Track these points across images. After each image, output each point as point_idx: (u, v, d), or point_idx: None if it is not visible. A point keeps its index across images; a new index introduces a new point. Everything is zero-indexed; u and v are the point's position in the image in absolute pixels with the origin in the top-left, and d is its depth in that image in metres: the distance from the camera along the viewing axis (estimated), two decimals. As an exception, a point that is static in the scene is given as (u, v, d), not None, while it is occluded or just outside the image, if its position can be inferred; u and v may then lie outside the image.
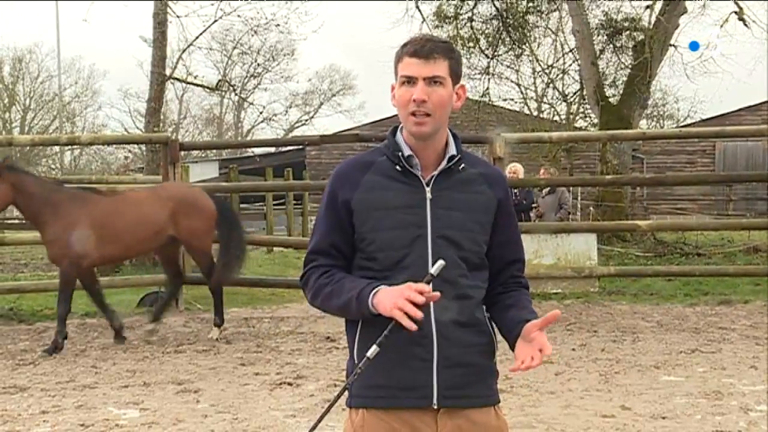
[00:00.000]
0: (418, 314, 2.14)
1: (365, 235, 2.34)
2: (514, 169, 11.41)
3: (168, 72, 15.68)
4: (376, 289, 2.23)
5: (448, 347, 2.29)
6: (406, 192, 2.34)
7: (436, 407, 2.31)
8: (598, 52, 20.03)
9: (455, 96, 2.38)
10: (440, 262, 2.19)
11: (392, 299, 2.17)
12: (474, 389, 2.34)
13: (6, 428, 5.35)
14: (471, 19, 21.09)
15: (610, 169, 17.45)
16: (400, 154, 2.36)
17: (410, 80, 2.31)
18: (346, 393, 2.36)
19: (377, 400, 2.33)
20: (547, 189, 12.05)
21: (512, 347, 2.34)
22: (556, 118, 28.46)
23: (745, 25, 18.11)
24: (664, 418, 5.42)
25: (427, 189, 2.34)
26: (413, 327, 2.15)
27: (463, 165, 2.39)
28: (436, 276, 2.19)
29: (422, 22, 20.37)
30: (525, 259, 2.52)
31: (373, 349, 2.23)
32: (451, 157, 2.37)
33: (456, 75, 2.36)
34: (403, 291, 2.17)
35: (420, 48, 2.31)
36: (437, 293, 2.20)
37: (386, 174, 2.36)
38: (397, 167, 2.36)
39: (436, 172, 2.36)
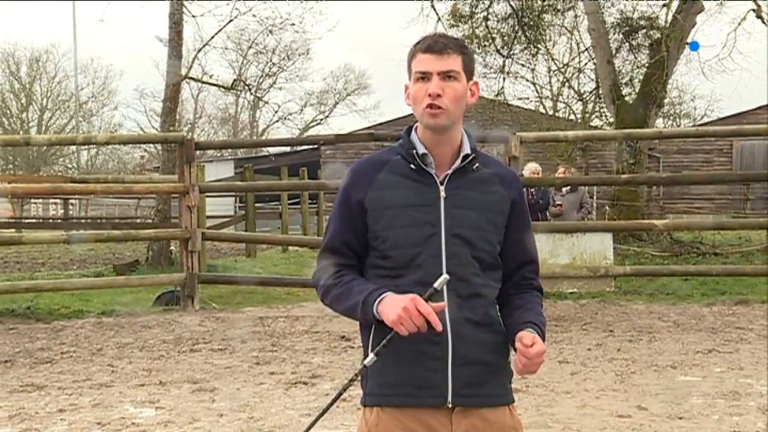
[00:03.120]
0: (423, 327, 2.17)
1: (379, 233, 2.34)
2: (536, 170, 11.38)
3: (184, 71, 15.72)
4: (382, 296, 2.24)
5: (462, 345, 2.29)
6: (420, 190, 2.34)
7: (450, 406, 2.30)
8: (613, 51, 19.94)
9: (469, 92, 2.39)
10: (444, 277, 2.20)
11: (395, 310, 2.18)
12: (488, 388, 2.33)
13: (23, 426, 5.39)
14: (486, 18, 21.05)
15: (626, 168, 17.38)
16: (414, 152, 2.36)
17: (425, 76, 2.32)
18: (361, 391, 2.39)
19: (392, 399, 2.32)
20: (569, 188, 12.01)
21: (514, 349, 2.35)
22: (572, 117, 28.40)
23: (764, 22, 17.97)
24: (680, 418, 5.39)
25: (441, 188, 2.34)
26: (424, 329, 2.18)
27: (477, 164, 2.39)
28: (439, 291, 2.20)
29: (437, 21, 20.35)
30: (539, 260, 2.52)
31: (370, 357, 2.26)
32: (465, 156, 2.37)
33: (469, 71, 2.37)
34: (407, 304, 2.17)
35: (434, 44, 2.33)
36: (443, 303, 2.22)
37: (400, 172, 2.36)
38: (411, 166, 2.36)
39: (450, 171, 2.36)
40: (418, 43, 2.37)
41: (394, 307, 2.19)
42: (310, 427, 2.36)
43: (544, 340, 2.33)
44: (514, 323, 2.36)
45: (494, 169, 2.43)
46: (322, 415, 2.34)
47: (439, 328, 2.19)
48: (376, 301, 2.24)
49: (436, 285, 2.19)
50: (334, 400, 2.34)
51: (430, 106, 2.30)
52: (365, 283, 2.33)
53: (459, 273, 2.29)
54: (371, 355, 2.26)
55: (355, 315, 2.32)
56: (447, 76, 2.31)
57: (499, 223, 2.38)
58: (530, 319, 2.35)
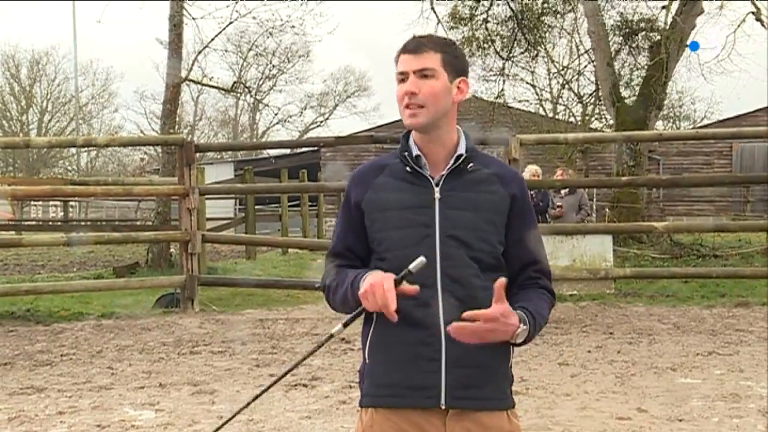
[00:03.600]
0: (384, 307, 2.16)
1: (374, 235, 2.36)
2: (537, 172, 11.38)
3: (184, 74, 15.73)
4: (367, 274, 2.24)
5: (455, 347, 2.26)
6: (415, 192, 2.34)
7: (444, 408, 2.29)
8: (613, 53, 19.96)
9: (456, 90, 2.37)
10: (420, 259, 2.19)
11: (364, 285, 2.19)
12: (484, 391, 2.31)
13: (23, 429, 5.38)
14: (486, 21, 21.06)
15: (626, 171, 17.39)
16: (406, 154, 2.37)
17: (403, 75, 2.34)
18: (360, 393, 2.40)
19: (386, 400, 2.33)
20: (567, 189, 12.01)
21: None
22: (572, 119, 28.41)
23: (763, 25, 18.00)
24: (680, 420, 5.38)
25: (436, 189, 2.34)
26: (393, 316, 2.17)
27: (472, 164, 2.38)
28: (414, 273, 2.19)
29: (437, 24, 20.36)
30: (546, 262, 2.46)
31: (338, 328, 2.28)
32: (458, 157, 2.37)
33: (453, 68, 2.36)
34: (375, 280, 2.18)
35: (409, 43, 2.37)
36: (415, 287, 2.20)
37: (397, 175, 2.37)
38: (407, 168, 2.37)
39: (445, 172, 2.36)
40: (401, 46, 2.40)
41: (366, 282, 2.20)
42: (263, 392, 2.42)
43: (535, 330, 2.28)
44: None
45: (494, 168, 2.41)
46: (276, 382, 2.41)
47: (394, 318, 2.17)
48: (362, 279, 2.24)
49: (410, 267, 2.18)
50: (293, 367, 2.38)
51: (407, 106, 2.33)
52: (358, 270, 2.33)
53: (454, 274, 2.28)
54: (339, 326, 2.28)
55: (348, 301, 2.31)
56: (423, 75, 2.32)
57: (498, 223, 2.36)
58: (523, 305, 2.29)
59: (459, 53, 2.42)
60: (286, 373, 2.37)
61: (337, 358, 7.50)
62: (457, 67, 2.37)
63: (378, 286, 2.16)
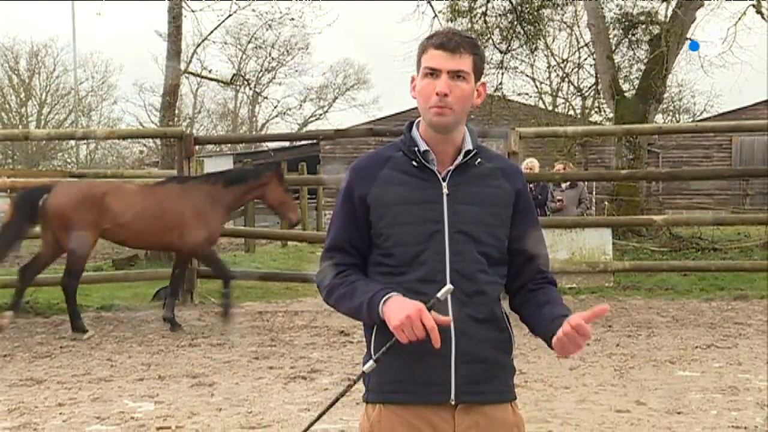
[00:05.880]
0: (422, 338, 2.16)
1: (382, 230, 2.33)
2: (531, 165, 11.38)
3: (183, 66, 15.71)
4: (388, 296, 2.22)
5: (466, 343, 2.27)
6: (423, 187, 2.33)
7: (453, 403, 2.29)
8: (613, 46, 19.93)
9: (476, 93, 2.36)
10: (448, 287, 2.20)
11: (398, 316, 2.16)
12: (491, 385, 2.33)
13: (23, 420, 5.39)
14: (485, 14, 20.99)
15: (625, 164, 17.38)
16: (416, 149, 2.35)
17: (434, 72, 2.29)
18: (364, 389, 2.38)
19: (395, 396, 2.31)
20: (568, 183, 12.01)
21: (549, 343, 2.30)
22: (571, 112, 28.38)
23: (763, 18, 17.97)
24: (679, 413, 5.39)
25: (444, 184, 2.33)
26: (438, 341, 2.18)
27: (479, 160, 2.37)
28: (442, 300, 2.20)
29: (434, 17, 20.31)
30: (547, 253, 2.49)
31: (369, 364, 2.26)
32: (467, 152, 2.36)
33: (479, 71, 2.35)
34: (411, 312, 2.16)
35: (447, 41, 2.30)
36: (448, 317, 2.22)
37: (402, 169, 2.35)
38: (414, 162, 2.35)
39: (452, 167, 2.35)
40: (431, 37, 2.34)
41: (399, 312, 2.17)
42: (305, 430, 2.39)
43: None
44: (547, 318, 2.32)
45: (497, 163, 2.41)
46: (316, 420, 2.38)
47: (438, 344, 2.18)
48: (382, 301, 2.22)
49: (439, 295, 2.19)
50: (329, 406, 2.35)
51: (437, 105, 2.29)
52: (371, 282, 2.31)
53: (463, 270, 2.28)
54: (371, 362, 2.26)
55: (359, 315, 2.31)
56: (456, 75, 2.29)
57: (504, 217, 2.36)
58: (564, 313, 2.30)
59: (483, 56, 2.40)
60: (320, 415, 2.40)
61: (336, 351, 7.51)
62: (481, 71, 2.36)
63: (416, 321, 2.15)
